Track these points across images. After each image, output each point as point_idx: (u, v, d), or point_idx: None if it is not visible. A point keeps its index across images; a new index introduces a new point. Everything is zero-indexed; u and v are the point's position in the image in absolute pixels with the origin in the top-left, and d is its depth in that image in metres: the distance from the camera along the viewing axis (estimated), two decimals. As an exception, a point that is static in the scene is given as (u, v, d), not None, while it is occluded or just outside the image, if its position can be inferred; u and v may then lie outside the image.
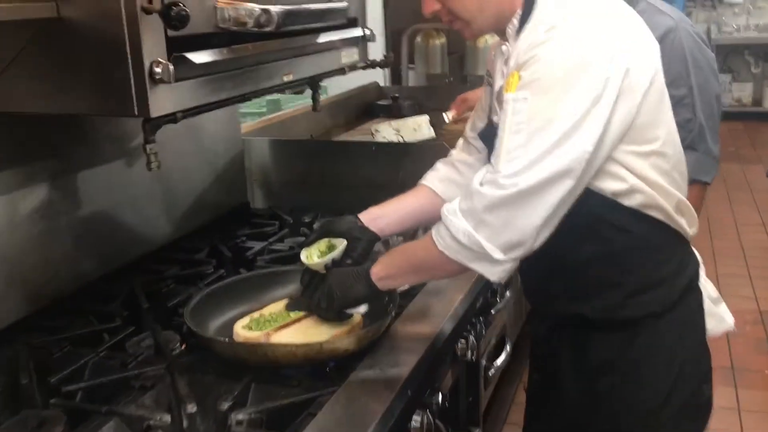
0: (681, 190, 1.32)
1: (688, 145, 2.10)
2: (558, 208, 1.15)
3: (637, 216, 1.26)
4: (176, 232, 2.01)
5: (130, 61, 1.14)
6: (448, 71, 4.03)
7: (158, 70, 1.15)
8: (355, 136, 3.05)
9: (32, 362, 1.33)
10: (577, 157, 1.13)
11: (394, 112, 3.42)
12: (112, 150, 1.76)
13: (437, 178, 1.52)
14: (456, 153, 1.54)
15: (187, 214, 2.06)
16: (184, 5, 1.13)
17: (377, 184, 2.24)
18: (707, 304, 1.40)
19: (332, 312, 1.34)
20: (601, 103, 1.13)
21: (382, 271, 1.30)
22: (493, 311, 1.89)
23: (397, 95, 3.50)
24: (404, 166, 2.22)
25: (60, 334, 1.47)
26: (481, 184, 1.15)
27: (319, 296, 1.34)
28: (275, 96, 3.32)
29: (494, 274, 1.19)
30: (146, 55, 1.14)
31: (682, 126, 2.07)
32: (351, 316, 1.37)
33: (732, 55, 8.25)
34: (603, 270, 1.31)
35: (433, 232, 1.22)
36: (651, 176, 1.24)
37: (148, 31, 1.14)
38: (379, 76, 3.78)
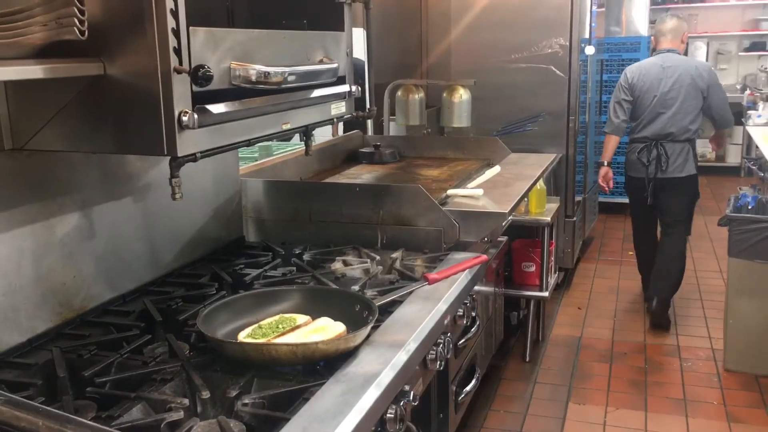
0: None
1: None
2: None
3: None
4: (178, 260, 2.26)
5: (162, 110, 1.42)
6: (426, 123, 4.34)
7: (185, 118, 1.42)
8: (340, 179, 3.33)
9: (65, 361, 1.57)
10: None
11: (376, 158, 3.72)
12: (127, 187, 2.02)
13: None
14: None
15: (190, 245, 2.32)
16: (209, 68, 1.42)
17: (360, 221, 2.52)
18: None
19: None
20: None
21: None
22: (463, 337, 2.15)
23: (379, 144, 3.81)
24: (384, 206, 2.50)
25: (86, 340, 1.71)
26: None
27: None
28: (266, 143, 3.61)
29: None
30: (176, 106, 1.42)
31: None
32: None
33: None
34: None
35: None
36: None
37: (178, 87, 1.42)
38: (363, 127, 4.09)
